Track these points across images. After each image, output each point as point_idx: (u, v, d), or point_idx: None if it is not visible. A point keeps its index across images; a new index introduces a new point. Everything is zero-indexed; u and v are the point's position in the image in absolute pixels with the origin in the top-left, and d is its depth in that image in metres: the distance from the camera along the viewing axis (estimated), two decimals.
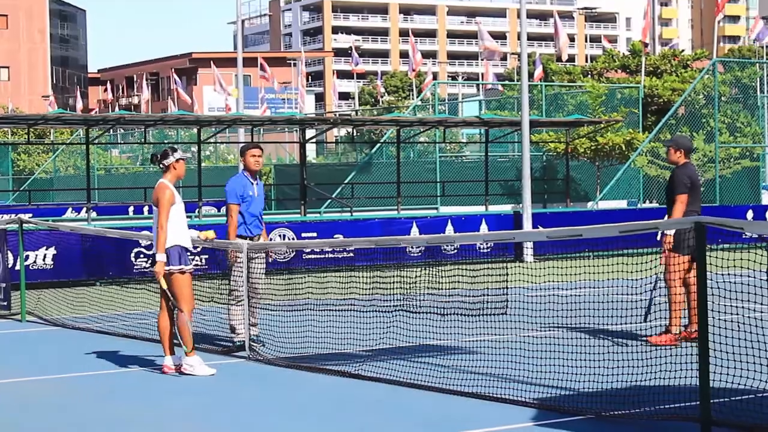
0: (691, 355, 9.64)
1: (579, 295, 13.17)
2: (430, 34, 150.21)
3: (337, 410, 10.27)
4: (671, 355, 10.90)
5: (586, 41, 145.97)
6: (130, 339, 15.08)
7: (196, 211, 29.51)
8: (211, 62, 73.76)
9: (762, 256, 11.63)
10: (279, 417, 10.09)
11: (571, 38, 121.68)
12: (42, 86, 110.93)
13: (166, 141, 54.75)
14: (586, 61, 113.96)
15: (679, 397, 9.55)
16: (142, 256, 22.75)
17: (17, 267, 18.29)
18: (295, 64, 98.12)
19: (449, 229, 26.79)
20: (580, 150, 36.72)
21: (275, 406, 10.60)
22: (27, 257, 20.50)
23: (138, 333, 15.33)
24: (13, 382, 12.08)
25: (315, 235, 24.94)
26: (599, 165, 37.19)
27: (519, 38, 29.78)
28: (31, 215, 28.62)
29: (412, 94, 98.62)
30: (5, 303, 18.02)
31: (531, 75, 52.84)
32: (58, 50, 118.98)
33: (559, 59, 67.48)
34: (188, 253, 12.36)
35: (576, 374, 10.80)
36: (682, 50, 58.38)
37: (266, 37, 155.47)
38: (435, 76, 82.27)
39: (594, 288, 15.55)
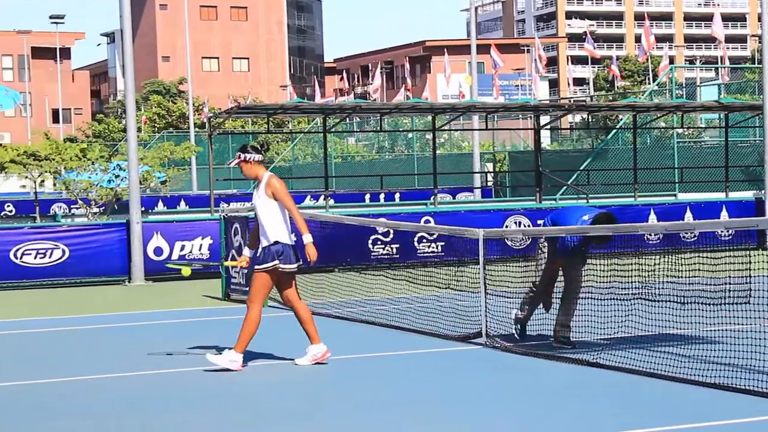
0: None
1: None
2: (666, 17, 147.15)
3: (571, 397, 10.22)
4: None
5: None
6: (369, 324, 15.27)
7: (431, 198, 29.71)
8: (444, 50, 74.10)
9: None
10: (510, 402, 10.11)
11: None
12: (280, 76, 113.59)
13: (400, 129, 55.30)
14: None
15: None
16: (379, 242, 23.04)
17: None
18: (528, 50, 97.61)
19: (688, 216, 26.22)
20: None
21: (508, 392, 10.61)
22: None
23: (377, 318, 15.51)
24: (265, 365, 12.36)
25: None
26: None
27: (759, 20, 28.89)
28: None
29: (648, 79, 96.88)
30: (248, 289, 18.43)
31: None
32: (295, 41, 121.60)
33: None
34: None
35: None
36: None
37: (499, 24, 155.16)
38: (671, 60, 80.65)
39: None
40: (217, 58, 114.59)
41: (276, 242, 11.84)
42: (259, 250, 11.99)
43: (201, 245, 22.40)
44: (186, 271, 13.34)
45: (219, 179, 36.59)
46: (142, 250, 21.82)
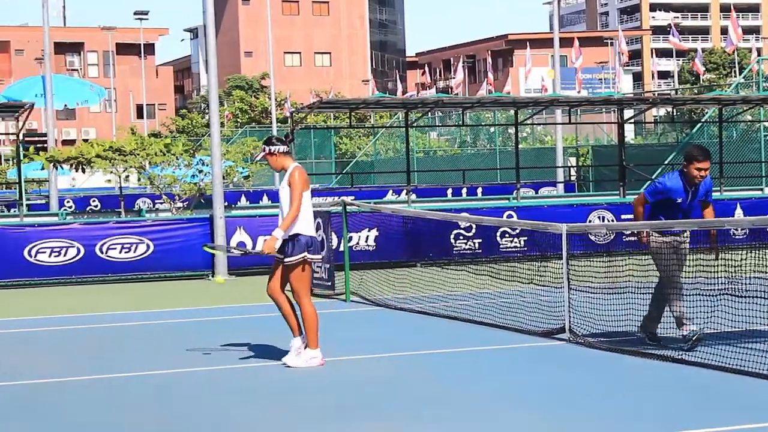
0: None
1: None
2: (753, 8, 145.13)
3: (656, 394, 10.08)
4: None
5: None
6: (452, 320, 15.21)
7: (514, 192, 29.54)
8: (527, 43, 73.75)
9: None
10: (594, 398, 10.01)
11: None
12: (362, 71, 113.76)
13: (482, 123, 55.11)
14: None
15: None
16: (461, 237, 22.96)
17: (341, 248, 18.72)
18: (611, 44, 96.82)
19: None
20: None
21: (592, 389, 10.50)
22: (350, 239, 20.99)
23: (459, 314, 15.43)
24: (347, 360, 12.38)
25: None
26: None
27: None
28: (353, 198, 29.33)
29: (734, 72, 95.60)
30: (329, 283, 18.50)
31: None
32: (377, 35, 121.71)
33: None
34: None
35: None
36: None
37: (582, 17, 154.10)
38: (759, 52, 79.48)
39: None
40: (299, 53, 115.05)
41: (302, 234, 11.74)
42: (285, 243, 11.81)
43: None
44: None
45: None
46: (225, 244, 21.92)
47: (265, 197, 42.58)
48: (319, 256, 12.08)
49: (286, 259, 11.75)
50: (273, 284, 11.99)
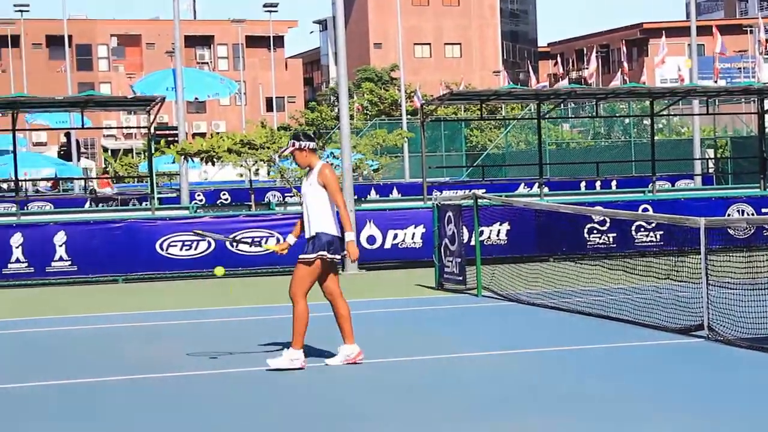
0: None
1: None
2: None
3: None
4: None
5: None
6: (586, 316, 14.94)
7: (650, 186, 28.99)
8: (663, 32, 72.55)
9: None
10: (735, 399, 9.65)
11: None
12: (493, 62, 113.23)
13: (617, 114, 54.33)
14: None
15: None
16: (595, 231, 22.54)
17: (472, 242, 18.50)
18: (751, 31, 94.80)
19: None
20: None
21: (732, 388, 10.14)
22: (481, 232, 20.74)
23: (593, 309, 15.15)
24: (480, 356, 12.20)
25: None
26: None
27: None
28: (484, 191, 29.04)
29: None
30: (461, 278, 18.31)
31: None
32: (508, 25, 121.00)
33: None
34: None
35: None
36: None
37: (720, 4, 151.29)
38: None
39: None
40: (429, 44, 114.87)
41: (324, 233, 11.49)
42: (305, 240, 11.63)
43: (414, 234, 22.31)
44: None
45: (432, 167, 36.62)
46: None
47: (395, 190, 42.51)
48: (339, 256, 11.72)
49: (301, 255, 11.51)
50: (328, 286, 11.73)
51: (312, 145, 11.73)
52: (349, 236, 11.53)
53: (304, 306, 11.54)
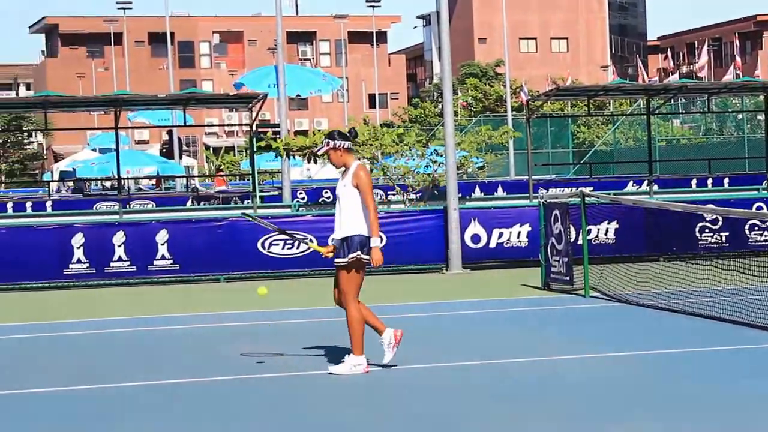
0: None
1: None
2: None
3: None
4: None
5: None
6: (697, 317, 14.52)
7: (764, 183, 28.31)
8: None
9: None
10: None
11: None
12: (600, 56, 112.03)
13: (729, 110, 53.28)
14: None
15: None
16: (707, 230, 21.94)
17: (579, 241, 18.08)
18: None
19: None
20: None
21: None
22: (589, 231, 20.28)
23: (704, 311, 14.74)
24: (588, 357, 11.92)
25: None
26: None
27: None
28: (592, 188, 28.52)
29: None
30: (568, 278, 17.91)
31: None
32: (617, 18, 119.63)
33: None
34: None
35: None
36: None
37: None
38: None
39: None
40: (535, 38, 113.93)
41: (358, 234, 11.18)
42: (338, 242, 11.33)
43: (519, 233, 21.89)
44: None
45: (537, 164, 36.16)
46: (459, 237, 21.49)
47: (500, 188, 42.12)
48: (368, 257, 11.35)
49: (336, 260, 11.26)
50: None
51: (347, 144, 11.43)
52: (375, 242, 11.24)
53: (357, 311, 11.33)
